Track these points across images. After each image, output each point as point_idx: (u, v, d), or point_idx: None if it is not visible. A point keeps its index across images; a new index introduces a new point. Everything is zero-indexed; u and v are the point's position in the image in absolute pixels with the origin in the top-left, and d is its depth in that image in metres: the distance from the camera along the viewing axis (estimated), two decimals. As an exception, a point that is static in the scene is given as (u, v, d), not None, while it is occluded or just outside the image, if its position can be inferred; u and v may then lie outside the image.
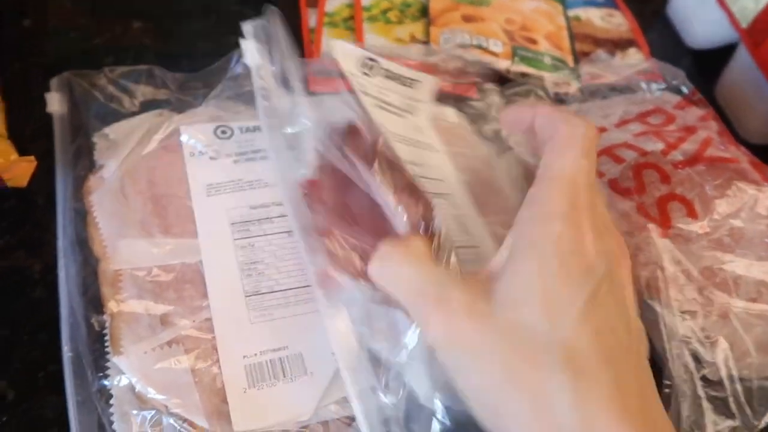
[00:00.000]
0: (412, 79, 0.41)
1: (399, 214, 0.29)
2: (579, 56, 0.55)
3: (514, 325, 0.23)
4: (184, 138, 0.39)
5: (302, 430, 0.30)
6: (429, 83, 0.42)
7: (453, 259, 0.29)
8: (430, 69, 0.51)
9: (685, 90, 0.49)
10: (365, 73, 0.38)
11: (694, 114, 0.45)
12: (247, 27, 0.39)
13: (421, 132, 0.40)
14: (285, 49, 0.38)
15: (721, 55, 0.55)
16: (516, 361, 0.23)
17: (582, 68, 0.52)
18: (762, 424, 0.32)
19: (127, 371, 0.30)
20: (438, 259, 0.28)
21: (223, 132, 0.40)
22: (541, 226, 0.25)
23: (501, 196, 0.40)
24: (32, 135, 0.41)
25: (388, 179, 0.29)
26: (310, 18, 0.52)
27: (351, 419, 0.30)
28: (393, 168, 0.31)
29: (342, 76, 0.37)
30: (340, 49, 0.38)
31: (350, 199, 0.31)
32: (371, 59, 0.39)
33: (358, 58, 0.38)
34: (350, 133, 0.32)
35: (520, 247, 0.25)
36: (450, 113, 0.46)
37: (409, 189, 0.30)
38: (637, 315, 0.26)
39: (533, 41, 0.53)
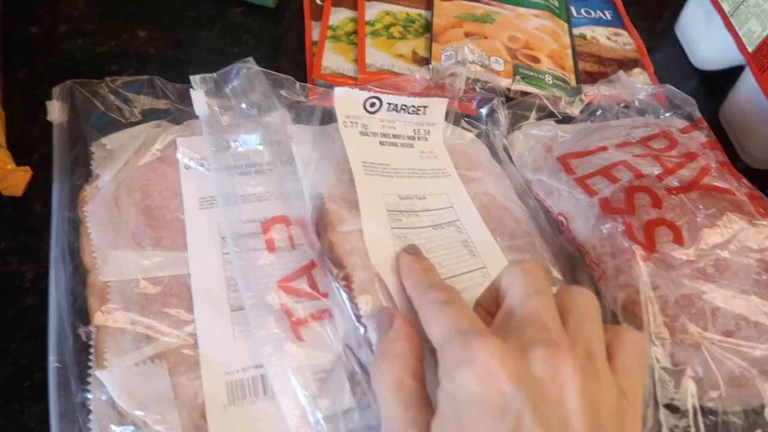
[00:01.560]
0: (419, 106, 0.42)
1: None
2: (583, 75, 0.54)
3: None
4: (180, 150, 0.40)
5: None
6: (438, 105, 0.43)
7: None
8: (429, 87, 0.51)
9: (693, 117, 0.48)
10: (369, 112, 0.40)
11: (697, 141, 0.45)
12: (196, 79, 0.41)
13: (434, 157, 0.41)
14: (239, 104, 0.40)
15: (728, 77, 0.54)
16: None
17: (590, 87, 0.52)
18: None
19: (109, 385, 0.30)
20: None
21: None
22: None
23: (513, 218, 0.40)
24: (36, 141, 0.42)
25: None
26: (314, 31, 0.52)
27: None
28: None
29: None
30: (339, 96, 0.39)
31: None
32: (374, 97, 0.40)
33: (361, 99, 0.40)
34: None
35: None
36: (466, 134, 0.46)
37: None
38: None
39: (536, 60, 0.53)
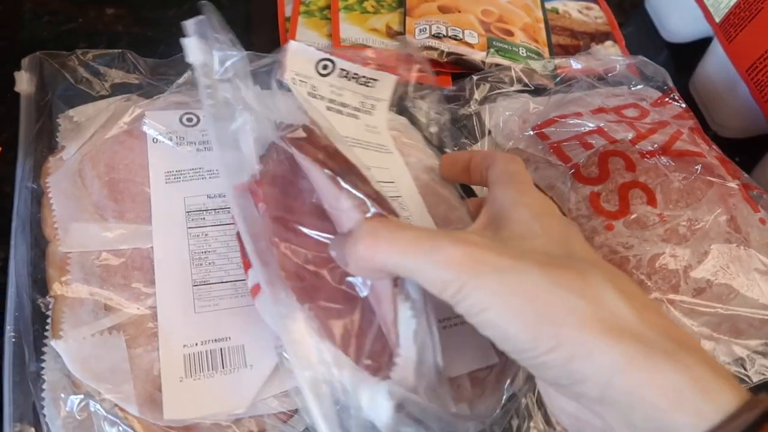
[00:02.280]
0: (370, 78, 0.37)
1: (354, 211, 0.25)
2: (556, 49, 0.51)
3: (533, 250, 0.22)
4: (148, 123, 0.36)
5: (231, 424, 0.26)
6: (388, 81, 0.38)
7: None
8: (403, 60, 0.47)
9: (665, 87, 0.45)
10: (321, 74, 0.35)
11: (670, 111, 0.41)
12: (189, 24, 0.35)
13: (377, 132, 0.37)
14: (226, 42, 0.34)
15: (697, 49, 0.50)
16: (554, 270, 0.21)
17: (563, 60, 0.48)
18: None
19: (63, 355, 0.27)
20: None
21: (189, 119, 0.37)
22: (519, 193, 0.25)
23: (448, 204, 0.36)
24: (3, 120, 0.38)
25: (350, 181, 0.26)
26: (287, 6, 0.48)
27: (288, 415, 0.27)
28: (352, 172, 0.27)
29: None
30: (293, 51, 0.34)
31: (295, 203, 0.27)
32: (328, 59, 0.35)
33: (314, 59, 0.35)
34: (304, 136, 0.28)
35: (506, 205, 0.25)
36: (400, 118, 0.42)
37: (375, 193, 0.27)
38: None
39: (509, 33, 0.49)
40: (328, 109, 0.35)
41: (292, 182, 0.28)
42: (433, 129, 0.42)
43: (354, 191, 0.25)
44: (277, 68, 0.36)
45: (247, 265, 0.28)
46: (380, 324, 0.25)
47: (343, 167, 0.27)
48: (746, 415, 0.18)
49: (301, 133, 0.28)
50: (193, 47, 0.32)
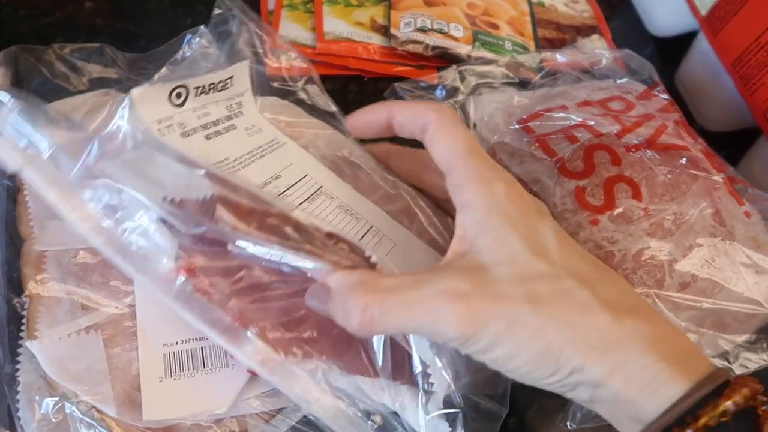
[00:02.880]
0: (223, 81, 0.33)
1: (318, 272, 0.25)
2: (542, 42, 0.50)
3: (519, 275, 0.23)
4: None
5: (212, 425, 0.26)
6: (242, 70, 0.34)
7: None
8: (388, 54, 0.47)
9: (651, 81, 0.45)
10: (177, 105, 0.30)
11: (655, 104, 0.41)
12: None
13: (260, 130, 0.34)
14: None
15: (683, 42, 0.50)
16: (545, 307, 0.23)
17: (549, 53, 0.48)
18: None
19: (39, 356, 0.26)
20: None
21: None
22: (489, 197, 0.25)
23: (363, 171, 0.35)
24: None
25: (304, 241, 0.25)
26: (270, 0, 0.47)
27: (271, 414, 0.27)
28: (300, 229, 0.26)
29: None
30: (140, 100, 0.28)
31: (232, 264, 0.26)
32: (178, 86, 0.30)
33: (164, 94, 0.30)
34: (219, 207, 0.26)
35: (479, 219, 0.24)
36: (270, 100, 0.38)
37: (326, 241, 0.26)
38: None
39: (495, 26, 0.49)
40: (208, 138, 0.31)
41: (220, 248, 0.26)
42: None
43: (301, 259, 0.25)
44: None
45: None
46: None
47: (274, 227, 0.25)
48: (696, 394, 0.22)
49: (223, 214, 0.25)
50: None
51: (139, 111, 0.28)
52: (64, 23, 0.44)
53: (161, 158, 0.28)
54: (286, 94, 0.40)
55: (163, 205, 0.25)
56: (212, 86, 0.32)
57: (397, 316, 0.22)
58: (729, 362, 0.31)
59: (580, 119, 0.36)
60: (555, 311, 0.22)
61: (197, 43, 0.38)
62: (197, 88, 0.31)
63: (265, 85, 0.39)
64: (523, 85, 0.46)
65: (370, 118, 0.30)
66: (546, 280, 0.23)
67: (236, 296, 0.26)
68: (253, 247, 0.25)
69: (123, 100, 0.28)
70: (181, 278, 0.25)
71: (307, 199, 0.32)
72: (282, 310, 0.26)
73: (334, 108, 0.39)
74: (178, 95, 0.30)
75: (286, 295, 0.27)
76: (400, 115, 0.28)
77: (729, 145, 0.45)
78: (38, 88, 0.37)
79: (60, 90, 0.38)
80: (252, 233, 0.25)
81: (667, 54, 0.52)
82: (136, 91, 0.28)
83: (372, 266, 0.26)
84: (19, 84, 0.37)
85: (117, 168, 0.26)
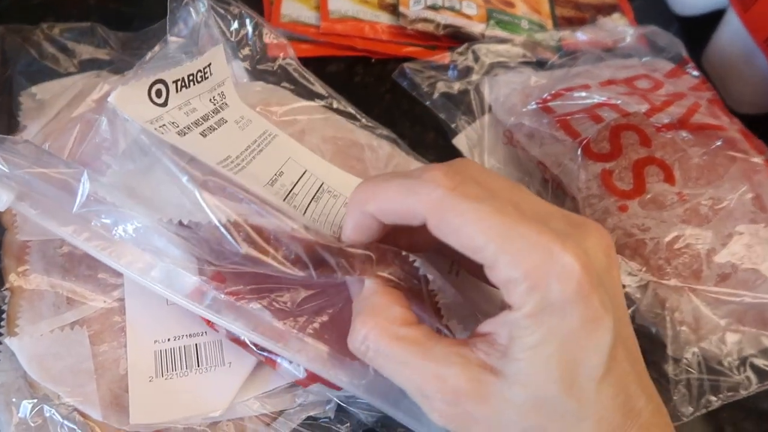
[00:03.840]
0: (201, 70, 0.30)
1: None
2: (560, 21, 0.48)
3: (532, 403, 0.20)
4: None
5: (206, 429, 0.24)
6: (218, 55, 0.31)
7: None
8: (396, 34, 0.45)
9: (678, 59, 0.42)
10: (160, 104, 0.27)
11: (686, 82, 0.39)
12: None
13: (249, 122, 0.32)
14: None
15: (709, 21, 0.48)
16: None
17: (568, 32, 0.45)
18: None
19: (19, 354, 0.24)
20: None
21: (158, 93, 0.34)
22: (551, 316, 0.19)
23: (369, 148, 0.34)
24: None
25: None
26: (272, -23, 0.45)
27: (272, 417, 0.25)
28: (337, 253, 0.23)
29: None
30: (123, 101, 0.26)
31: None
32: (155, 82, 0.27)
33: (143, 93, 0.27)
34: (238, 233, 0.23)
35: (524, 325, 0.20)
36: (255, 88, 0.36)
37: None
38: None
39: (510, 4, 0.46)
40: (204, 135, 0.29)
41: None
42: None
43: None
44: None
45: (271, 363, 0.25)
46: None
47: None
48: None
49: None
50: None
51: (125, 115, 0.26)
52: (54, 2, 0.41)
53: (158, 175, 0.25)
54: (266, 75, 0.37)
55: (175, 228, 0.24)
56: (191, 78, 0.29)
57: (388, 368, 0.21)
58: (773, 361, 0.29)
59: (604, 98, 0.34)
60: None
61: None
62: (176, 82, 0.28)
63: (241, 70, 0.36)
64: (540, 65, 0.43)
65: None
66: (559, 421, 0.20)
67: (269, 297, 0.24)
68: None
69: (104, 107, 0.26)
70: (211, 289, 0.24)
71: (313, 198, 0.30)
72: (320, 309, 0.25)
73: (320, 88, 0.37)
74: (158, 93, 0.27)
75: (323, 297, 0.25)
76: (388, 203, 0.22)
77: (762, 128, 0.43)
78: (25, 69, 0.35)
79: (48, 71, 0.36)
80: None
81: (692, 34, 0.50)
82: (114, 95, 0.25)
83: (415, 271, 0.23)
84: (4, 65, 0.35)
85: (112, 191, 0.24)
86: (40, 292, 0.26)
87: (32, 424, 0.23)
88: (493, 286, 0.20)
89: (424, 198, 0.20)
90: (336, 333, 0.25)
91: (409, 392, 0.21)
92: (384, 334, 0.21)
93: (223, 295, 0.24)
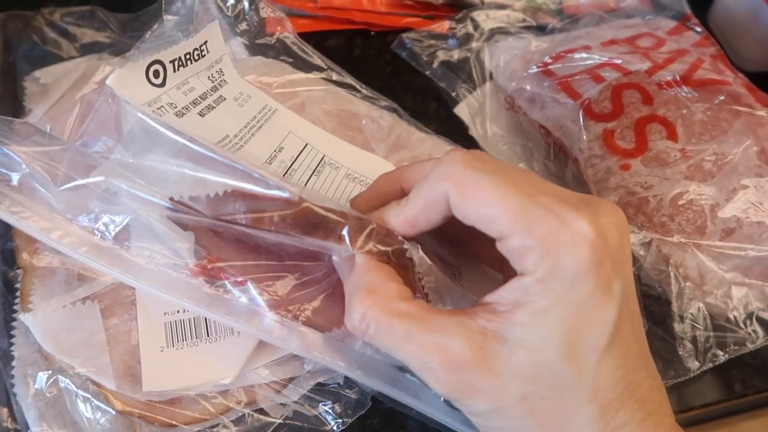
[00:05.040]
0: (197, 48, 0.30)
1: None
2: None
3: (534, 369, 0.20)
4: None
5: (217, 395, 0.24)
6: (214, 32, 0.30)
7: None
8: (395, 5, 0.44)
9: (681, 16, 0.41)
10: (158, 85, 0.27)
11: (689, 39, 0.38)
12: None
13: (249, 97, 0.32)
14: None
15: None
16: (541, 404, 0.20)
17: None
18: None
19: (33, 329, 0.25)
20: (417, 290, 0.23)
21: (156, 73, 0.34)
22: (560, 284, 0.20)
23: (369, 118, 0.34)
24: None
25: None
26: (268, -48, 0.45)
27: (282, 384, 0.25)
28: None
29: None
30: (121, 84, 0.26)
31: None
32: (153, 63, 0.27)
33: (141, 75, 0.27)
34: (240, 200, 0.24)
35: (534, 291, 0.20)
36: (254, 63, 0.36)
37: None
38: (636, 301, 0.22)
39: (509, -30, 0.46)
40: (202, 115, 0.29)
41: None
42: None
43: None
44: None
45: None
46: None
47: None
48: None
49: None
50: None
51: (125, 97, 0.26)
52: (55, -12, 0.42)
53: (157, 156, 0.25)
54: (264, 49, 0.37)
55: (173, 204, 0.24)
56: (188, 56, 0.29)
57: (389, 343, 0.21)
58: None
59: (605, 58, 0.33)
60: (545, 423, 0.20)
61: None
62: (173, 61, 0.28)
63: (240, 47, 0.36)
64: (541, 29, 0.43)
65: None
66: (558, 387, 0.20)
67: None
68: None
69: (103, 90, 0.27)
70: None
71: (314, 172, 0.30)
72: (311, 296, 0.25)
73: (319, 61, 0.37)
74: (156, 73, 0.27)
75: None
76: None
77: (769, 85, 0.42)
78: (27, 55, 0.35)
79: (51, 56, 0.36)
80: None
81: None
82: (112, 79, 0.26)
83: (403, 252, 0.23)
84: (7, 51, 0.35)
85: (111, 172, 0.25)
86: (51, 270, 0.27)
87: (48, 395, 0.24)
88: (497, 270, 0.21)
89: (444, 170, 0.21)
90: (328, 317, 0.25)
91: (412, 366, 0.21)
92: (384, 310, 0.21)
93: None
